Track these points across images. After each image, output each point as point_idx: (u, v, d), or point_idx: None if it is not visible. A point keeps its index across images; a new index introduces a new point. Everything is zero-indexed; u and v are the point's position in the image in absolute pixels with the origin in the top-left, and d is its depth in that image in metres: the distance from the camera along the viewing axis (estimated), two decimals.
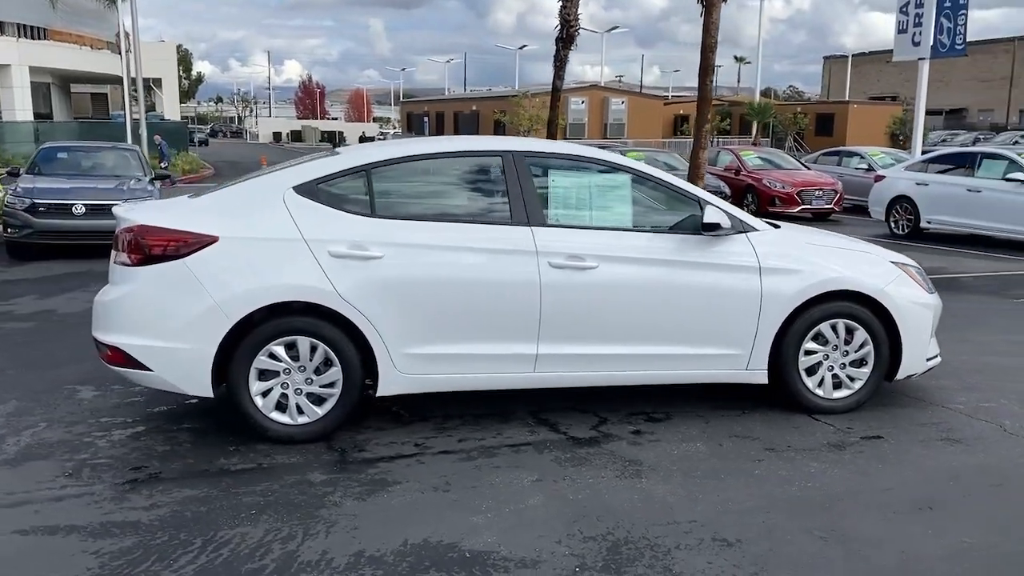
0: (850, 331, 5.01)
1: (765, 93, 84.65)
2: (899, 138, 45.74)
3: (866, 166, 19.69)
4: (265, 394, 4.52)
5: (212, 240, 4.43)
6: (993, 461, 4.37)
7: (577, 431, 4.77)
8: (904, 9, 18.07)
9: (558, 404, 5.13)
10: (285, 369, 4.52)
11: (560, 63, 17.68)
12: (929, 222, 14.38)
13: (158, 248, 4.44)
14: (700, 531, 3.57)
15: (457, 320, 4.60)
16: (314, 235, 4.51)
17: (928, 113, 55.37)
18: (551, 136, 18.40)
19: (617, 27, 50.55)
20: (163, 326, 4.44)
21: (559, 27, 17.55)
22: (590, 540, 3.49)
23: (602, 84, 42.27)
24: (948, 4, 17.38)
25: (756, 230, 4.93)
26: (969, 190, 13.71)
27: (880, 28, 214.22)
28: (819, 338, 4.98)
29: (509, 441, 4.62)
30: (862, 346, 5.04)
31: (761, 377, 4.96)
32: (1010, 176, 13.16)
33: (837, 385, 5.06)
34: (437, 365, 4.63)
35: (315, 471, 4.22)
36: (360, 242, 4.52)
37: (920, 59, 17.65)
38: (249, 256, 4.47)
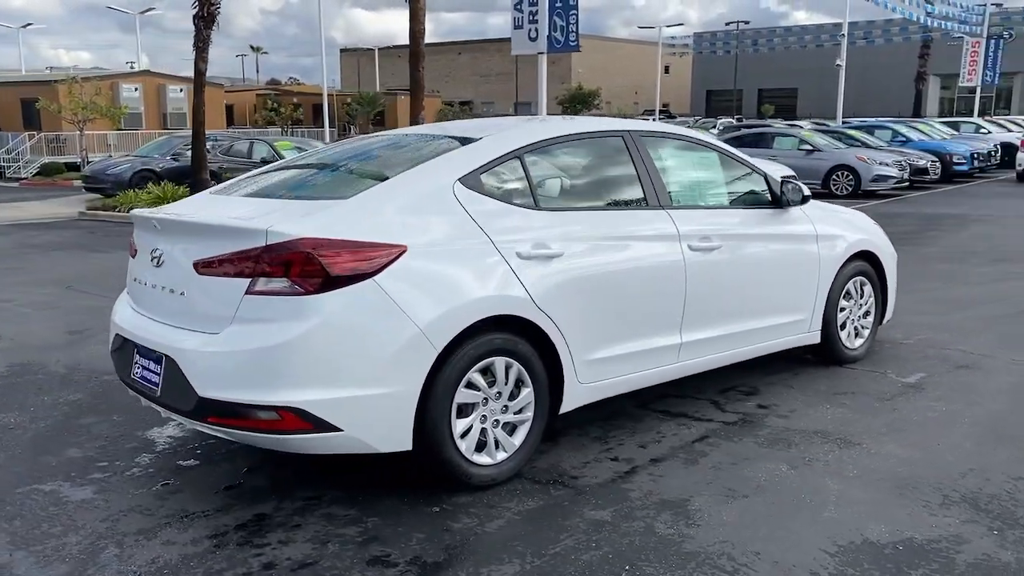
0: (863, 285, 5.67)
1: (272, 83, 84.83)
2: None
3: None
4: (464, 434, 3.66)
5: (401, 250, 3.44)
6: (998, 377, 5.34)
7: (718, 415, 4.70)
8: (518, 7, 19.68)
9: (659, 395, 4.95)
10: (483, 399, 3.71)
11: (203, 44, 15.91)
12: None
13: (344, 266, 3.31)
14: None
15: (624, 316, 4.21)
16: (499, 235, 3.75)
17: (446, 104, 60.23)
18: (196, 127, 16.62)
19: (153, 8, 46.10)
20: (356, 369, 3.34)
21: (197, 5, 15.78)
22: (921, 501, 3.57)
23: (155, 71, 38.49)
24: (559, 4, 19.41)
25: (804, 202, 5.28)
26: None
27: (366, 24, 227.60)
28: (847, 296, 5.55)
29: (686, 438, 4.37)
30: (869, 298, 5.74)
31: (816, 337, 5.37)
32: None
33: (856, 335, 5.69)
34: (606, 369, 4.17)
35: (592, 510, 3.57)
36: (541, 239, 3.88)
37: (539, 53, 19.45)
38: (441, 266, 3.57)
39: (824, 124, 29.91)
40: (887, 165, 18.56)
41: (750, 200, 5.08)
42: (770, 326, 5.01)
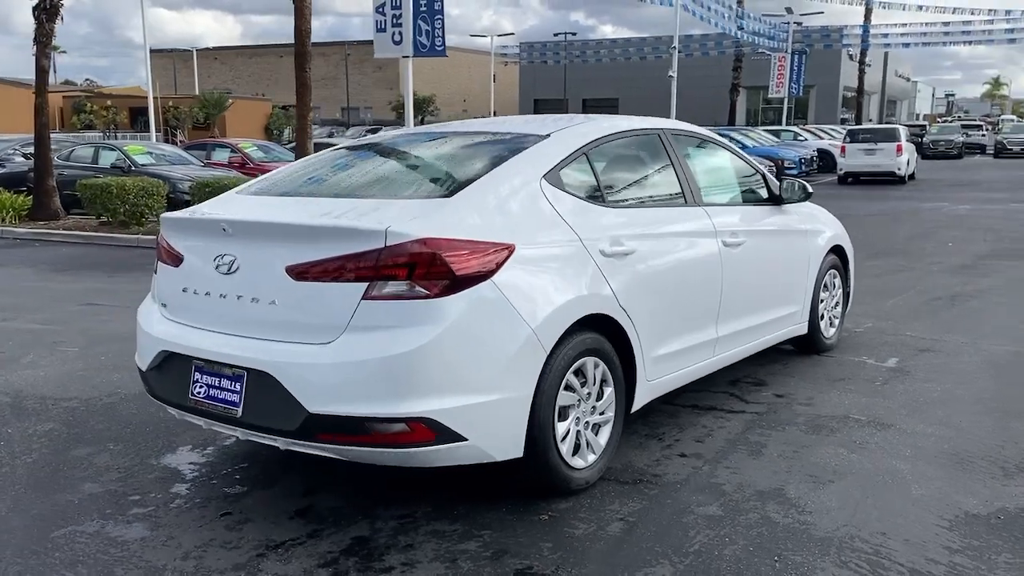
0: (834, 277, 6.02)
1: (68, 84, 79.01)
2: (273, 132, 47.98)
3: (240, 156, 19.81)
4: (563, 437, 3.58)
5: (511, 249, 3.32)
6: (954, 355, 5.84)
7: (746, 406, 4.84)
8: (380, 9, 19.32)
9: (679, 391, 5.03)
10: (577, 401, 3.64)
11: (46, 39, 14.50)
12: None
13: (468, 267, 3.15)
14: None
15: (679, 313, 4.27)
16: (584, 233, 3.71)
17: (281, 108, 58.32)
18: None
19: None
20: (480, 374, 3.20)
21: None
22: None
23: None
24: (424, 8, 19.27)
25: (806, 199, 5.51)
26: None
27: (168, 24, 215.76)
28: (825, 287, 5.88)
29: (733, 430, 4.47)
30: (838, 289, 6.11)
31: (804, 328, 5.65)
32: None
33: (830, 325, 6.04)
34: (664, 366, 4.21)
35: (698, 505, 3.57)
36: (615, 236, 3.87)
37: (404, 56, 19.24)
38: (543, 265, 3.48)
39: None
40: None
41: (754, 197, 5.27)
42: (776, 318, 5.23)
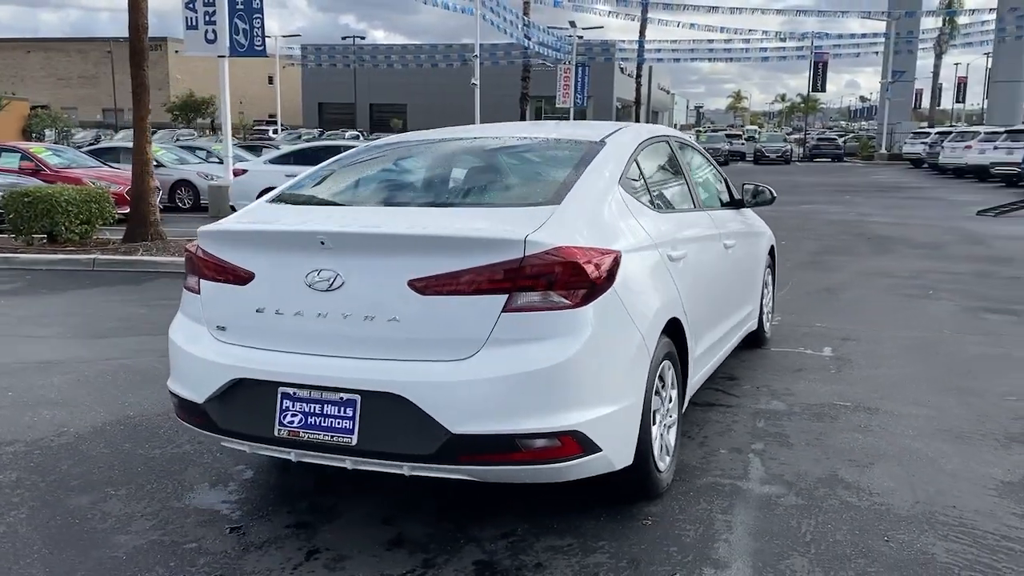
0: (769, 276, 6.47)
1: None
2: (33, 135, 43.50)
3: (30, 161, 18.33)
4: (655, 441, 3.62)
5: (619, 255, 3.31)
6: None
7: (740, 401, 5.09)
8: (191, 5, 18.18)
9: None
10: (660, 404, 3.70)
11: None
12: None
13: (601, 275, 3.12)
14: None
15: (708, 315, 4.44)
16: (656, 238, 3.77)
17: (41, 108, 52.99)
18: None
19: None
20: (611, 383, 3.19)
21: None
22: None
23: None
24: (241, 7, 18.33)
25: (772, 202, 5.84)
26: None
27: None
28: (765, 285, 6.30)
29: (748, 424, 4.70)
30: (772, 285, 6.57)
31: (755, 325, 6.02)
32: None
33: (767, 320, 6.48)
34: (698, 367, 4.34)
35: (778, 497, 3.73)
36: (673, 241, 3.97)
37: (220, 56, 18.19)
38: (639, 270, 3.50)
39: None
40: None
41: (724, 200, 5.56)
42: (745, 316, 5.54)
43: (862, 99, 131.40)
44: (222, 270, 3.36)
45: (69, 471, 4.09)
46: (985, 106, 55.14)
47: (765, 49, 49.42)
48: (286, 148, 17.47)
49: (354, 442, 3.05)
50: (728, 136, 52.98)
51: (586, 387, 3.05)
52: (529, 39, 42.30)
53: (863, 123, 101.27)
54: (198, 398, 3.35)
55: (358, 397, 3.05)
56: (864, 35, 48.74)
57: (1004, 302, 8.09)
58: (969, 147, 29.35)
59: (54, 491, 3.87)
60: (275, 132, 48.79)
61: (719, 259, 4.66)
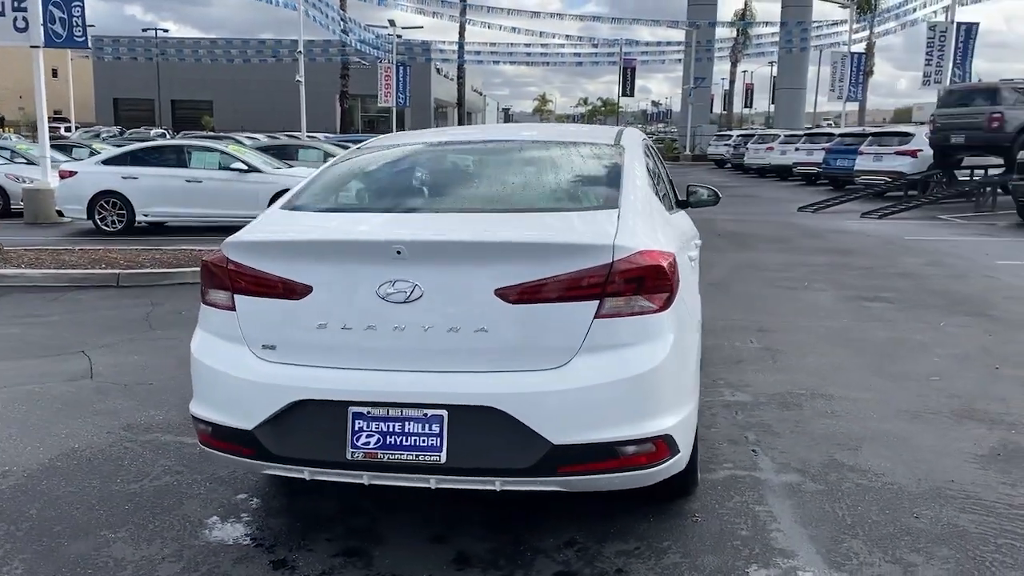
0: None
1: None
2: None
3: None
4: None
5: (675, 258, 3.33)
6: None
7: (707, 394, 5.29)
8: None
9: None
10: None
11: None
12: (146, 215, 14.52)
13: (675, 277, 3.13)
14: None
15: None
16: (682, 239, 3.88)
17: None
18: None
19: None
20: (685, 385, 3.23)
21: None
22: None
23: None
24: None
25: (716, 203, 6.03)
26: (189, 181, 14.47)
27: None
28: None
29: (731, 416, 4.89)
30: None
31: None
32: (233, 166, 14.54)
33: None
34: None
35: (797, 484, 3.91)
36: (685, 241, 4.09)
37: (33, 47, 16.56)
38: (683, 271, 3.53)
39: (289, 136, 30.70)
40: None
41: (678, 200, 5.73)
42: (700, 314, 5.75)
43: (654, 103, 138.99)
44: (268, 284, 3.08)
45: (43, 515, 3.61)
46: (772, 110, 60.05)
47: (579, 55, 51.36)
48: (122, 148, 16.05)
49: (443, 460, 2.90)
50: None
51: (672, 390, 3.07)
52: (347, 33, 41.53)
53: (659, 126, 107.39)
54: (246, 424, 3.05)
55: (444, 412, 2.91)
56: (670, 43, 51.93)
57: (872, 290, 8.88)
58: (771, 148, 31.90)
59: (39, 539, 3.40)
60: (67, 130, 44.80)
61: (696, 258, 4.81)
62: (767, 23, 51.36)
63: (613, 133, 4.23)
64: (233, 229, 3.52)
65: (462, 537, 3.40)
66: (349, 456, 2.95)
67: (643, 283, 2.98)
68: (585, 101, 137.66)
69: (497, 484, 2.96)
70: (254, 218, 3.51)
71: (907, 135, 22.58)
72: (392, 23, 46.30)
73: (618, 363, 2.93)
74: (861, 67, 40.46)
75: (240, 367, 3.10)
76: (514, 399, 2.87)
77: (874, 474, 4.02)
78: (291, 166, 16.38)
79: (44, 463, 4.19)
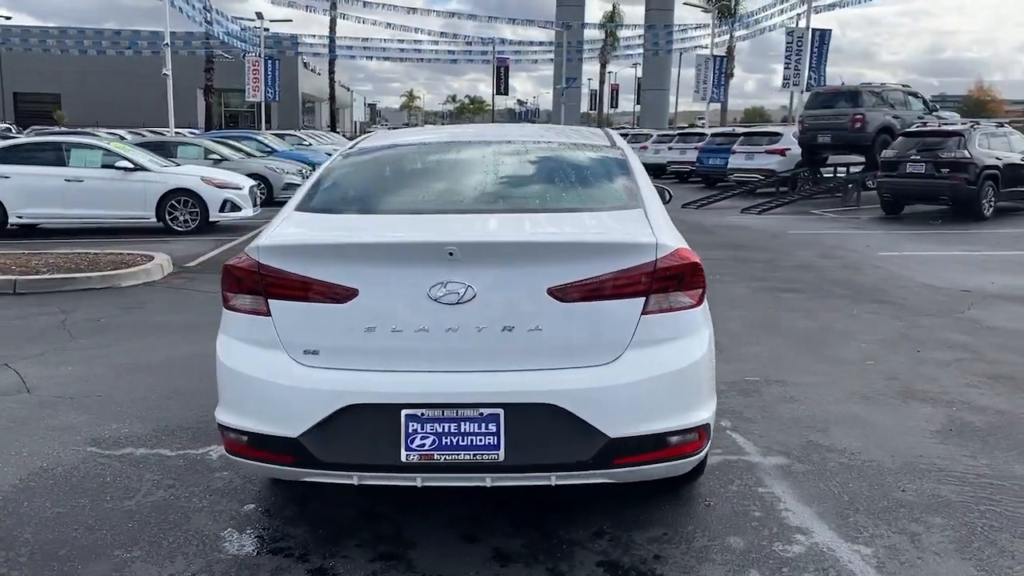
0: None
1: None
2: None
3: None
4: None
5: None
6: None
7: None
8: None
9: None
10: None
11: None
12: (20, 217, 13.60)
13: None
14: None
15: None
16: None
17: None
18: None
19: None
20: (713, 376, 3.39)
21: None
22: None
23: None
24: None
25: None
26: (68, 180, 13.62)
27: None
28: None
29: None
30: None
31: None
32: (118, 165, 13.75)
33: None
34: None
35: (795, 465, 4.15)
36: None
37: None
38: None
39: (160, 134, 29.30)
40: (292, 174, 19.81)
41: None
42: None
43: (520, 102, 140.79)
44: (310, 288, 3.01)
45: (40, 539, 3.39)
46: (637, 110, 62.10)
47: (453, 52, 51.41)
48: None
49: (501, 457, 2.93)
50: None
51: (708, 381, 3.23)
52: (212, 24, 39.93)
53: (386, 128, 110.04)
54: (290, 432, 2.98)
55: (501, 411, 2.94)
56: (542, 43, 52.77)
57: (781, 282, 9.41)
58: (645, 147, 32.95)
59: (48, 564, 3.20)
60: None
61: None
62: (636, 26, 53.02)
63: (603, 135, 4.34)
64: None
65: (492, 535, 3.43)
66: (405, 459, 2.93)
67: (682, 280, 3.10)
68: (454, 98, 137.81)
69: (553, 479, 3.02)
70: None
71: (776, 135, 23.89)
72: (260, 16, 44.90)
73: (665, 357, 3.05)
74: (723, 70, 42.45)
75: (281, 374, 3.02)
76: (571, 395, 2.93)
77: (851, 453, 4.31)
78: (179, 164, 15.67)
79: (16, 484, 3.92)
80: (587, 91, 72.85)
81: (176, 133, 29.79)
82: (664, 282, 3.06)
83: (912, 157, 16.36)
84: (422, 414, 2.94)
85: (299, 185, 19.41)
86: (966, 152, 15.63)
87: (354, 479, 3.02)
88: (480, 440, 2.93)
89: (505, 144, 4.20)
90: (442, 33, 49.49)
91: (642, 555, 3.28)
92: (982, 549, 3.32)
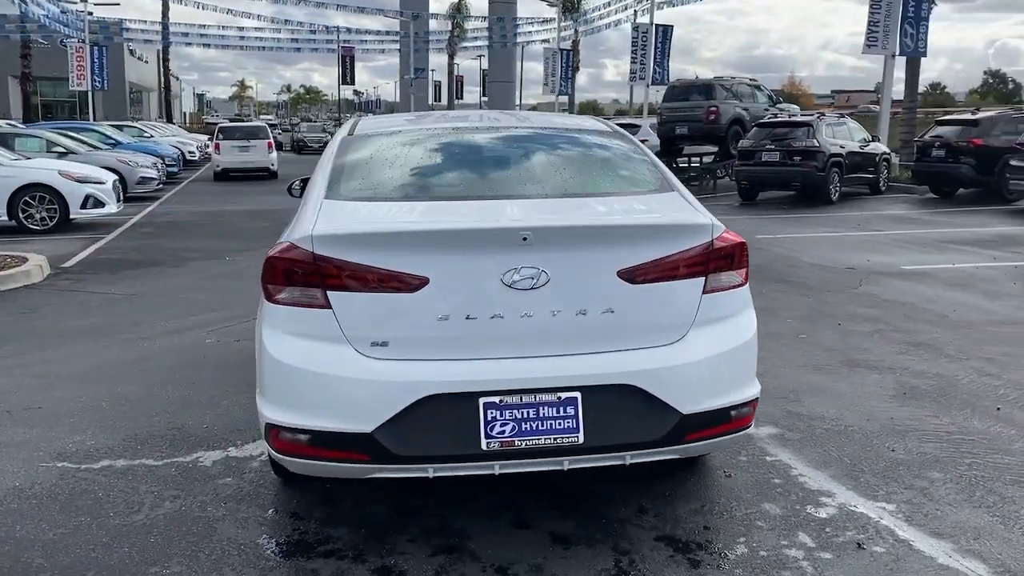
0: None
1: None
2: None
3: None
4: None
5: None
6: None
7: None
8: None
9: None
10: None
11: None
12: None
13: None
14: None
15: None
16: None
17: None
18: None
19: None
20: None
21: None
22: None
23: None
24: None
25: None
26: None
27: None
28: None
29: None
30: None
31: None
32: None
33: None
34: None
35: (788, 433, 4.35)
36: None
37: None
38: None
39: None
40: (146, 167, 18.67)
41: None
42: None
43: (357, 93, 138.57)
44: (374, 278, 2.88)
45: (56, 563, 3.09)
46: (483, 102, 62.52)
47: (296, 40, 49.81)
48: None
49: (581, 440, 2.93)
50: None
51: (756, 357, 3.34)
52: (27, 3, 36.81)
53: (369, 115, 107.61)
54: (364, 427, 2.85)
55: (578, 394, 2.93)
56: (388, 32, 52.03)
57: None
58: None
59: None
60: None
61: None
62: (483, 18, 53.21)
63: (598, 121, 4.38)
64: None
65: (543, 521, 3.42)
66: (485, 447, 2.87)
67: (732, 259, 3.20)
68: (288, 88, 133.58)
69: (628, 458, 3.04)
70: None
71: (635, 126, 24.68)
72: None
73: (725, 334, 3.15)
74: (570, 63, 43.45)
75: (348, 368, 2.88)
76: (646, 375, 2.97)
77: (831, 419, 4.58)
78: (29, 157, 14.42)
79: (13, 488, 3.55)
80: (432, 82, 72.63)
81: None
82: (719, 261, 3.15)
83: (767, 146, 17.39)
84: (500, 401, 2.89)
85: (154, 179, 18.57)
86: (815, 141, 16.79)
87: (429, 472, 2.93)
88: (559, 424, 2.91)
89: (515, 129, 4.12)
90: (286, 20, 47.76)
91: (691, 527, 3.36)
92: (985, 497, 3.63)
